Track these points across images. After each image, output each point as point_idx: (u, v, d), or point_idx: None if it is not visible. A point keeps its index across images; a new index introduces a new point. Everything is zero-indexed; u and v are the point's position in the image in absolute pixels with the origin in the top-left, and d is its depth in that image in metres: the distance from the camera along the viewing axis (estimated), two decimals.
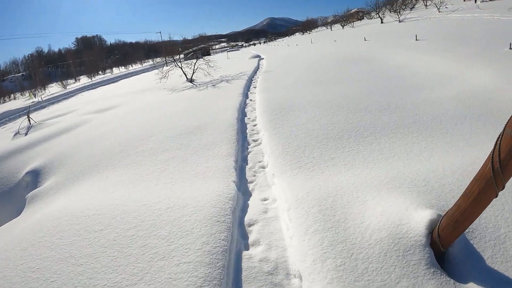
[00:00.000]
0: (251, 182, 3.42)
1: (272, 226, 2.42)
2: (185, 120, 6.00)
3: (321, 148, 3.71)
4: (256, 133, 4.97)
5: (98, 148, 5.72)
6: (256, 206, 2.79)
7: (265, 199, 2.96)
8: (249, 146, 4.48)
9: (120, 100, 12.45)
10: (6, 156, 6.87)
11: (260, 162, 3.90)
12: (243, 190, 3.29)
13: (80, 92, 29.06)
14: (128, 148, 5.22)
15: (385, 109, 4.96)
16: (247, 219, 2.58)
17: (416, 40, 12.09)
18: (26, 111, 21.75)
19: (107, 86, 28.20)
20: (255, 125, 5.36)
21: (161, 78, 13.25)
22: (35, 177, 5.53)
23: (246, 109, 6.63)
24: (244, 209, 2.82)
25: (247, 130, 5.19)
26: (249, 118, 5.88)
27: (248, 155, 4.17)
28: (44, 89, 44.17)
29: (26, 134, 10.37)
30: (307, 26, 69.07)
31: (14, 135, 10.76)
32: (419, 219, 1.95)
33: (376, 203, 2.27)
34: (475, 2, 27.64)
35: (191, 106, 7.27)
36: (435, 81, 6.30)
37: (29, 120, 12.23)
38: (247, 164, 3.90)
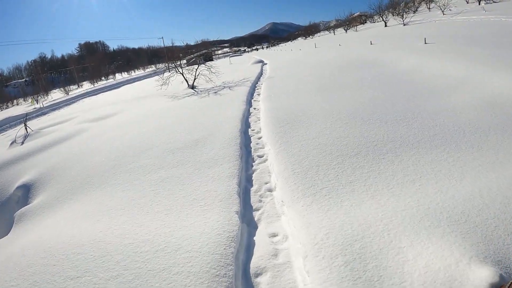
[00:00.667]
0: (257, 209, 2.96)
1: (284, 277, 1.95)
2: (184, 131, 5.57)
3: (336, 168, 3.24)
4: (261, 148, 4.52)
5: (91, 162, 5.35)
6: (263, 245, 2.32)
7: (274, 235, 2.49)
8: (253, 163, 4.02)
9: (119, 107, 12.16)
10: (0, 167, 6.59)
11: (266, 183, 3.44)
12: (248, 219, 2.83)
13: (82, 98, 28.95)
14: (122, 163, 4.83)
15: (402, 119, 4.50)
16: (253, 266, 2.10)
17: (425, 43, 11.62)
18: (24, 119, 21.65)
19: (109, 92, 28.07)
20: (260, 138, 4.90)
21: (162, 84, 12.89)
22: (26, 191, 5.26)
23: (249, 119, 6.18)
24: (249, 248, 2.35)
25: (251, 144, 4.73)
26: (253, 130, 5.43)
27: (253, 174, 3.71)
28: (47, 95, 44.25)
29: (22, 143, 10.13)
30: (309, 30, 68.85)
31: (11, 143, 10.50)
32: (477, 281, 1.48)
33: (416, 251, 1.80)
34: (479, 4, 27.21)
35: (191, 116, 6.85)
36: (451, 86, 5.82)
37: (26, 128, 11.97)
38: (252, 186, 3.44)
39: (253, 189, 3.35)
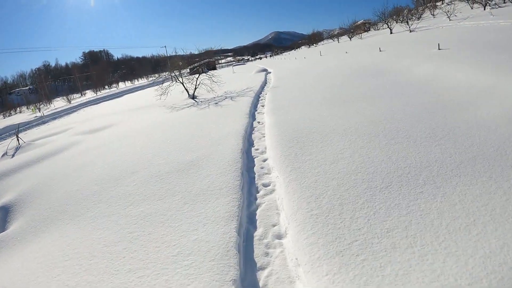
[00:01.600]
0: (262, 268, 2.20)
1: None
2: (177, 150, 4.86)
3: (365, 208, 2.49)
4: (266, 173, 3.76)
5: (73, 184, 4.77)
6: None
7: None
8: (258, 195, 3.26)
9: (117, 118, 11.65)
10: None
11: (274, 226, 2.68)
12: (250, 284, 2.07)
13: (83, 107, 28.77)
14: (104, 189, 4.16)
15: (432, 136, 3.78)
16: None
17: (439, 49, 10.89)
18: (26, 126, 21.25)
19: (110, 101, 27.82)
20: (265, 160, 4.15)
21: (161, 94, 12.29)
22: (4, 214, 4.84)
23: (253, 135, 5.43)
24: None
25: (254, 168, 3.98)
26: (257, 149, 4.67)
27: (257, 211, 2.95)
28: (50, 103, 44.19)
29: (13, 155, 9.63)
30: (313, 39, 68.55)
31: (2, 156, 9.96)
32: None
33: None
34: (484, 9, 26.69)
35: (187, 131, 6.15)
36: (477, 96, 5.09)
37: (18, 140, 11.47)
38: (255, 228, 2.69)
39: (257, 234, 2.59)
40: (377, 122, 4.42)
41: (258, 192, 3.31)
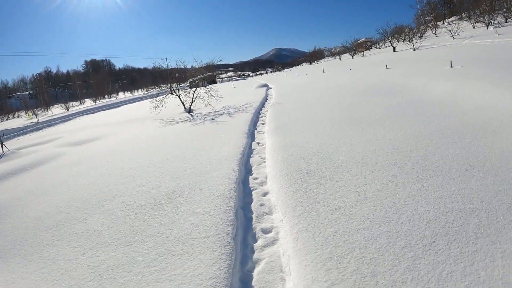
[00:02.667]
0: None
1: None
2: (160, 175, 4.10)
3: (409, 280, 1.74)
4: (267, 213, 2.98)
5: (38, 208, 4.11)
6: None
7: None
8: (255, 246, 2.47)
9: (107, 130, 11.05)
10: None
11: None
12: None
13: (79, 116, 28.48)
14: (68, 219, 3.43)
15: (468, 168, 3.09)
16: None
17: (451, 66, 10.32)
18: (20, 132, 20.55)
19: (107, 111, 27.45)
20: (265, 195, 3.36)
21: (155, 107, 11.66)
22: None
23: (251, 159, 4.66)
24: None
25: (252, 204, 3.19)
26: (255, 179, 3.87)
27: (254, 272, 2.16)
28: (48, 110, 43.80)
29: None
30: (314, 56, 69.00)
31: None
32: None
33: None
34: (487, 28, 26.79)
35: (176, 151, 5.39)
36: (506, 120, 4.40)
37: (2, 147, 10.83)
38: None
39: None
40: (401, 150, 3.69)
41: (256, 241, 2.51)
